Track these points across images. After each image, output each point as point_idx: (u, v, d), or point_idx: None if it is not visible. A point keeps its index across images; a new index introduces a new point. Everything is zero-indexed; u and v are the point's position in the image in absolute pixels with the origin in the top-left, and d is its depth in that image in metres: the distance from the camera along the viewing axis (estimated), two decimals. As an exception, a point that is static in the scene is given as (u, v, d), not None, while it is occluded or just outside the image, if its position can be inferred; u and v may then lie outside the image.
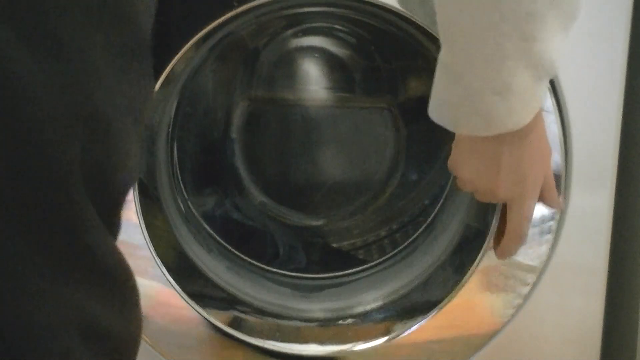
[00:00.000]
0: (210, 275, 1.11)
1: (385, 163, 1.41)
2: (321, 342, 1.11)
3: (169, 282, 1.04)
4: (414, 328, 1.11)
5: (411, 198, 1.37)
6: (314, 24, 1.29)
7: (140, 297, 0.55)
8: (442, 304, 1.11)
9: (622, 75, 1.04)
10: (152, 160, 1.06)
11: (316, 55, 1.34)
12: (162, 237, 1.09)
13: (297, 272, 1.26)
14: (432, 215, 1.25)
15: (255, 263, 1.24)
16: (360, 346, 1.10)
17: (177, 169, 1.17)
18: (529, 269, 1.09)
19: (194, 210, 1.19)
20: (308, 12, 1.12)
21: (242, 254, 1.22)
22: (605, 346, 1.13)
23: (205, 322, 1.06)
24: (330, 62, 1.35)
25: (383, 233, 1.35)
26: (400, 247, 1.25)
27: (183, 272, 1.10)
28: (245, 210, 1.31)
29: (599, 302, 1.11)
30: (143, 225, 1.04)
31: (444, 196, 1.24)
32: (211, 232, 1.20)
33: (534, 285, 1.09)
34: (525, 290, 1.09)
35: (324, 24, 1.29)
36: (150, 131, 1.05)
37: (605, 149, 1.06)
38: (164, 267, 1.04)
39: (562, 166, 1.06)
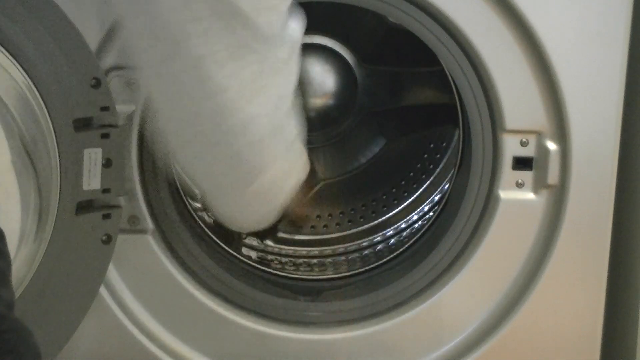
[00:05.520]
0: (209, 276, 1.11)
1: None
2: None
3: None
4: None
5: (408, 202, 1.37)
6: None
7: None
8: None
9: (622, 75, 1.05)
10: (153, 164, 1.06)
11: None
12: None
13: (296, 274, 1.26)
14: (430, 221, 1.25)
15: (254, 264, 1.24)
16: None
17: (175, 172, 1.17)
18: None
19: (192, 212, 1.19)
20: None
21: (240, 255, 1.22)
22: (605, 346, 1.13)
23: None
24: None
25: (378, 238, 1.35)
26: (397, 252, 1.25)
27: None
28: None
29: (599, 302, 1.11)
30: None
31: (442, 203, 1.24)
32: (210, 233, 1.20)
33: (534, 285, 1.10)
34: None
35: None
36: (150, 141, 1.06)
37: (605, 149, 1.06)
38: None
39: (562, 166, 1.07)
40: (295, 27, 0.86)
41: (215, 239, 1.20)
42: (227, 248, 1.21)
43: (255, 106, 0.83)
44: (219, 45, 0.79)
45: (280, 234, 1.37)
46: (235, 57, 0.80)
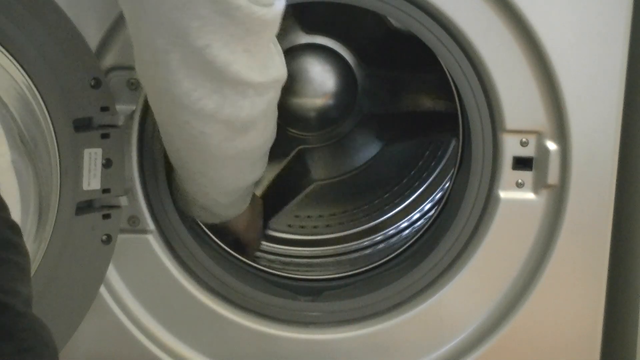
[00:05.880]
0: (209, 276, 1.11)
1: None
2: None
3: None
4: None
5: (408, 202, 1.37)
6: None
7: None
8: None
9: (622, 75, 1.05)
10: (153, 164, 1.06)
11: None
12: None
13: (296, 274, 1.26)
14: (430, 221, 1.25)
15: (254, 264, 1.24)
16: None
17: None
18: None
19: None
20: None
21: (240, 255, 1.22)
22: (605, 346, 1.13)
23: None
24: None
25: (378, 238, 1.35)
26: (397, 252, 1.25)
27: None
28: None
29: (599, 302, 1.11)
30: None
31: (442, 202, 1.24)
32: (210, 233, 1.20)
33: (534, 285, 1.09)
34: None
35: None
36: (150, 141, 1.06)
37: (605, 149, 1.06)
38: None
39: (562, 166, 1.07)
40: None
41: (215, 238, 1.20)
42: (226, 248, 1.21)
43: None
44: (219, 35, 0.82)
45: (280, 234, 1.37)
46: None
